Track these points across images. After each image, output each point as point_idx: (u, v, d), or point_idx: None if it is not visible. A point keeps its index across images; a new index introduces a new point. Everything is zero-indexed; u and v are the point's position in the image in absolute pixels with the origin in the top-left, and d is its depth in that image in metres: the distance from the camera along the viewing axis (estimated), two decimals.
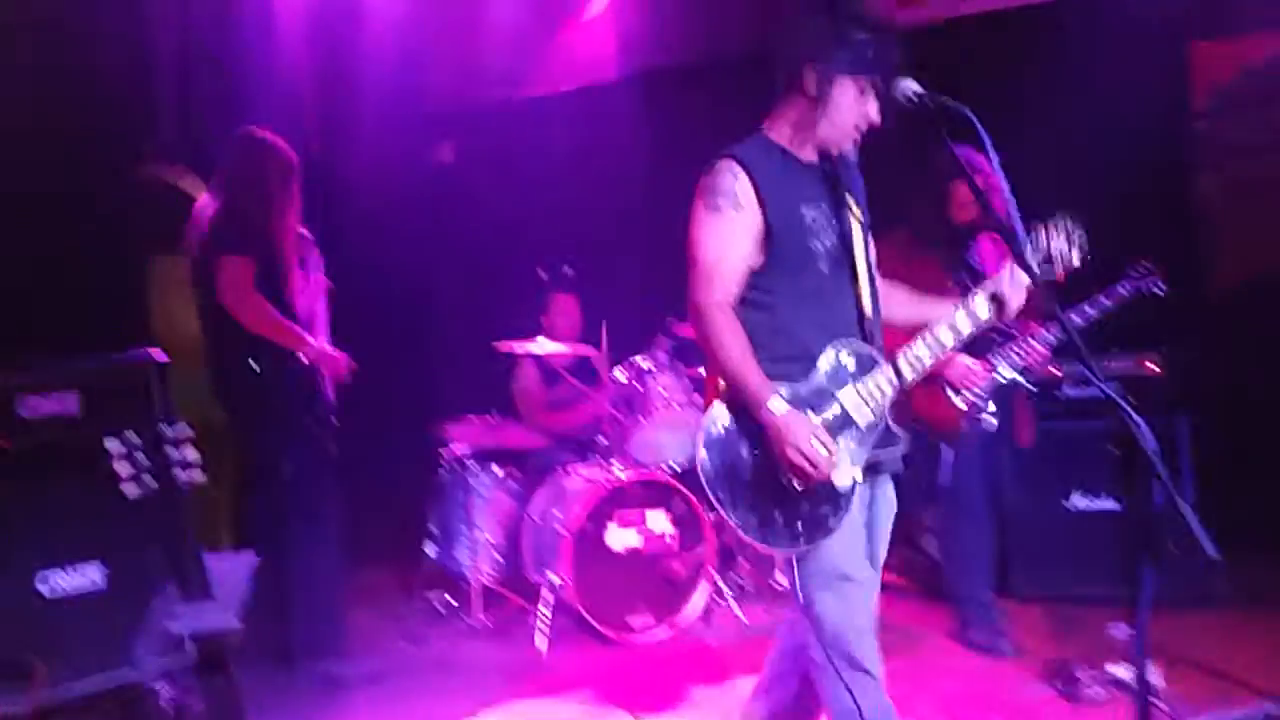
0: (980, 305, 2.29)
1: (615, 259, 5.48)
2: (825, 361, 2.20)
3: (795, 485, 2.12)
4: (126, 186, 4.47)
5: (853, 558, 2.21)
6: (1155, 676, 3.17)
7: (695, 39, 5.56)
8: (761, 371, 2.13)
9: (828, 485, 2.15)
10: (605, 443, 4.62)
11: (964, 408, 3.59)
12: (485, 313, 5.42)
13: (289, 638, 3.57)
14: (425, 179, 5.97)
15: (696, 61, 5.50)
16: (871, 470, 2.26)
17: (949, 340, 2.27)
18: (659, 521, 4.28)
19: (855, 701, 2.15)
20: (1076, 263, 2.34)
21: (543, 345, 4.68)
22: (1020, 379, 3.62)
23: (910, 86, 2.11)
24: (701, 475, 2.17)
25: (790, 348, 2.19)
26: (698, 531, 4.30)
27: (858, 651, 2.17)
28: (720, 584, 4.34)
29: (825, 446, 2.09)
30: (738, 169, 2.17)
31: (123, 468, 1.74)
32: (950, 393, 3.58)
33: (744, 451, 2.16)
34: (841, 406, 2.19)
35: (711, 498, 2.17)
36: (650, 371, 4.50)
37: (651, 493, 4.29)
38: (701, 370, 4.70)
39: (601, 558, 4.16)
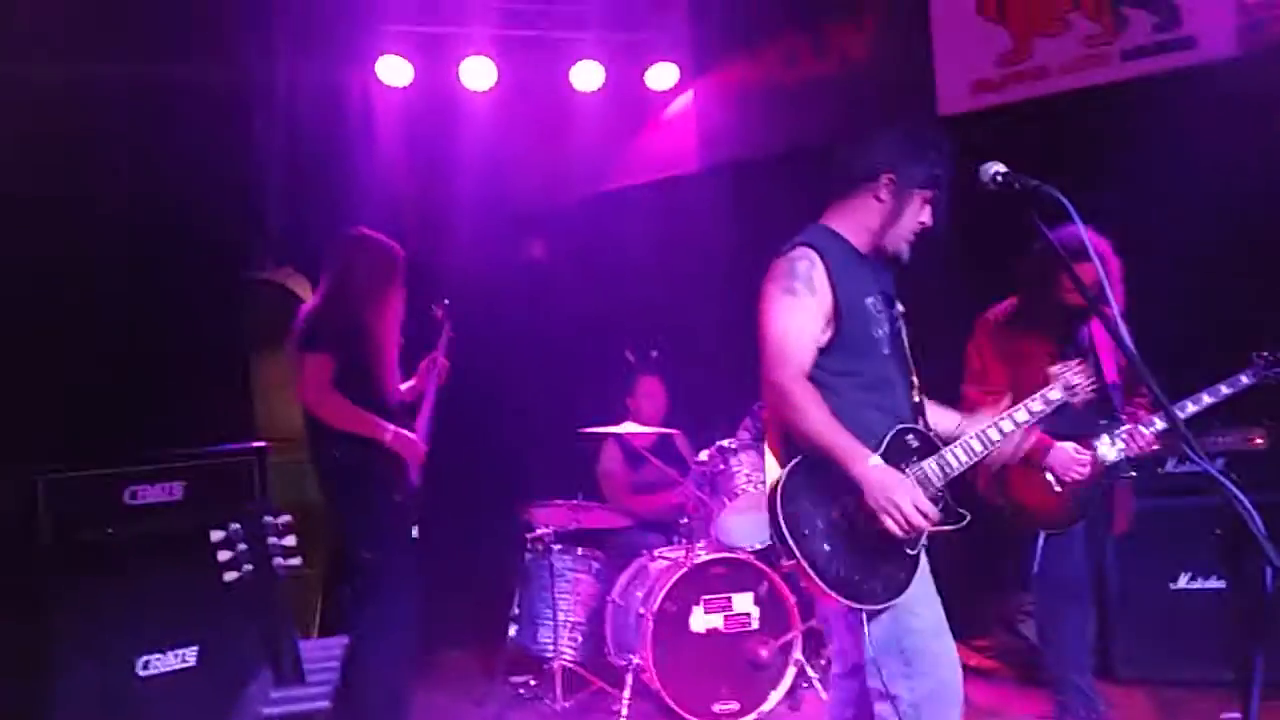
0: (1021, 415, 2.48)
1: (698, 344, 5.54)
2: (891, 441, 2.33)
3: (895, 533, 2.22)
4: (236, 287, 4.72)
5: (932, 614, 2.36)
6: None
7: (774, 133, 5.69)
8: (852, 436, 2.25)
9: (899, 549, 2.28)
10: (689, 524, 4.62)
11: (1061, 493, 3.50)
12: (572, 399, 5.51)
13: None
14: (516, 275, 6.17)
15: (774, 154, 5.62)
16: None
17: (1010, 428, 2.46)
18: (743, 603, 4.24)
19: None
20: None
21: (626, 428, 4.74)
22: (1121, 464, 3.52)
23: (994, 168, 2.11)
24: (785, 537, 2.27)
25: (854, 427, 2.28)
26: (783, 614, 4.25)
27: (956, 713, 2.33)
28: (806, 668, 4.26)
29: (926, 503, 2.23)
30: (814, 255, 2.32)
31: (224, 555, 1.82)
32: (1052, 479, 3.50)
33: (812, 510, 2.29)
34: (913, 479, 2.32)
35: (795, 557, 2.26)
36: (734, 452, 4.50)
37: (736, 575, 4.27)
38: None
39: (684, 640, 4.13)
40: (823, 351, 2.33)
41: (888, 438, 2.33)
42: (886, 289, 2.45)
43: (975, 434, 2.42)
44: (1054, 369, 2.65)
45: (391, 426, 3.67)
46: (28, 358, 3.63)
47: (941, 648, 2.37)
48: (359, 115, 5.28)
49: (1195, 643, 3.97)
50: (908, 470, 2.32)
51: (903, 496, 2.19)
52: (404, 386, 3.93)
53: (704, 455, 4.58)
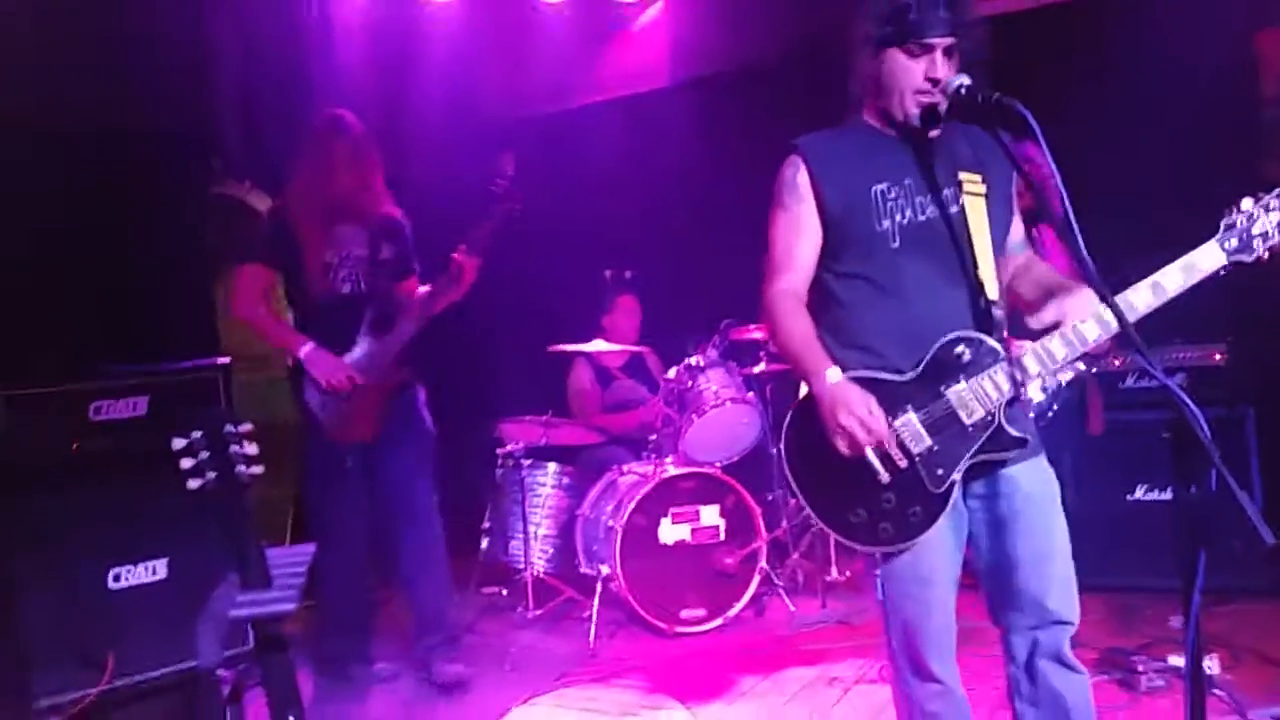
0: (1091, 330, 2.08)
1: (669, 261, 5.53)
2: (937, 354, 2.07)
3: (843, 453, 2.01)
4: (194, 202, 4.64)
5: (938, 561, 2.10)
6: (1213, 666, 3.13)
7: (749, 44, 5.57)
8: (823, 351, 2.08)
9: (919, 485, 2.03)
10: (658, 440, 4.67)
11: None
12: (542, 316, 5.51)
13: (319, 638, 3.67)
14: (483, 190, 6.09)
15: (750, 66, 5.51)
16: (982, 469, 2.09)
17: (1093, 336, 2.06)
18: (710, 516, 4.32)
19: (908, 710, 2.15)
20: None
21: (596, 346, 4.75)
22: (1079, 365, 3.54)
23: (958, 80, 2.06)
24: (785, 465, 2.14)
25: (867, 337, 2.12)
26: (749, 525, 4.34)
27: (932, 660, 2.10)
28: (772, 576, 4.37)
29: (880, 418, 1.99)
30: (798, 158, 2.17)
31: (186, 463, 1.83)
32: None
33: (822, 443, 2.04)
34: (947, 402, 2.05)
35: (795, 490, 2.13)
36: (702, 370, 4.53)
37: (704, 488, 4.34)
38: (755, 369, 4.74)
39: (653, 551, 4.21)
40: (827, 254, 2.17)
41: (932, 350, 2.06)
42: (921, 173, 2.14)
43: (1049, 344, 2.08)
44: None
45: (309, 343, 3.48)
46: None
47: (946, 581, 2.12)
48: (317, 26, 5.13)
49: (1149, 552, 4.07)
50: (945, 390, 2.04)
51: (847, 414, 1.96)
52: (422, 290, 3.65)
53: (672, 373, 4.61)
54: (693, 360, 4.58)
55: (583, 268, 5.45)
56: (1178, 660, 3.24)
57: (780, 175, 2.20)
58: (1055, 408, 3.61)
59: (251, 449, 1.88)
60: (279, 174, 4.40)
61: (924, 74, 2.05)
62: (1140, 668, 3.26)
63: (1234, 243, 2.06)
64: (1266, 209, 2.06)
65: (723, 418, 4.47)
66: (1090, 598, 4.02)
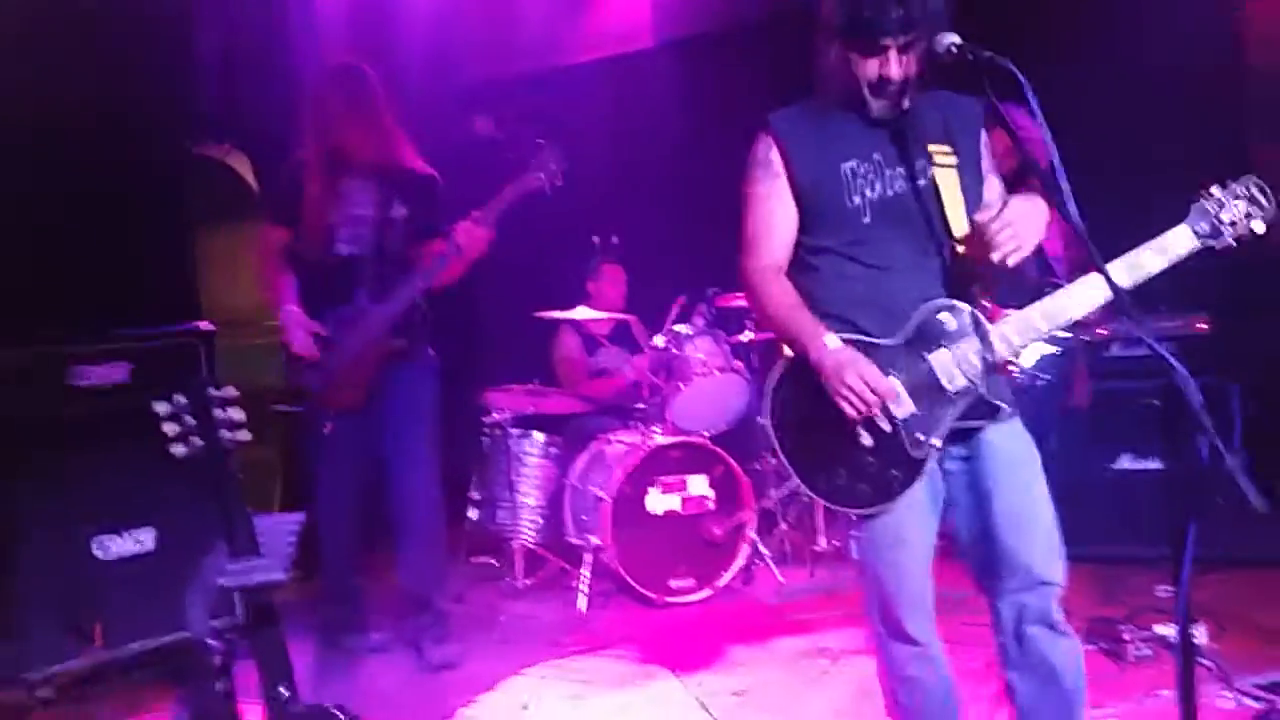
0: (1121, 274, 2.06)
1: (653, 226, 5.48)
2: (921, 319, 2.09)
3: (856, 424, 2.03)
4: (174, 164, 4.55)
5: (913, 523, 2.12)
6: (1200, 634, 3.15)
7: (733, 4, 5.50)
8: (813, 318, 2.10)
9: (900, 448, 2.06)
10: (645, 409, 4.65)
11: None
12: (526, 283, 5.45)
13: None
14: (465, 151, 6.01)
15: (733, 27, 5.43)
16: (961, 433, 2.12)
17: (1079, 311, 2.08)
18: (699, 486, 4.31)
19: (887, 671, 2.16)
20: (1259, 230, 2.09)
21: (582, 313, 4.72)
22: (1071, 336, 3.54)
23: (949, 39, 2.04)
24: (768, 429, 2.14)
25: (841, 306, 2.13)
26: (737, 495, 4.33)
27: (908, 622, 2.12)
28: (760, 546, 4.37)
29: (882, 377, 2.02)
30: (768, 137, 2.20)
31: (170, 428, 1.79)
32: None
33: (809, 406, 2.08)
34: (930, 368, 2.08)
35: (778, 452, 2.14)
36: (689, 338, 4.51)
37: (691, 457, 4.33)
38: (742, 337, 4.71)
39: (641, 521, 4.20)
40: (801, 229, 2.20)
41: (916, 317, 2.09)
42: (891, 148, 2.16)
43: (1030, 314, 2.10)
44: None
45: (288, 304, 3.41)
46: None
47: (922, 542, 2.14)
48: None
49: (1134, 522, 4.11)
50: (928, 356, 2.07)
51: (852, 375, 1.99)
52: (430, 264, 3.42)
53: (659, 340, 4.58)
54: (679, 328, 4.56)
55: (566, 233, 5.39)
56: (1164, 629, 3.26)
57: (753, 152, 2.22)
58: (1045, 377, 3.61)
59: (237, 414, 1.85)
60: (258, 135, 4.33)
61: (878, 72, 2.07)
62: (1127, 637, 3.28)
63: (1204, 228, 2.08)
64: (1235, 196, 2.08)
65: (710, 386, 4.45)
66: (1075, 568, 4.03)
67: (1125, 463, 4.27)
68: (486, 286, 5.79)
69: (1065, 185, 1.95)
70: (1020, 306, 2.16)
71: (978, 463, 2.15)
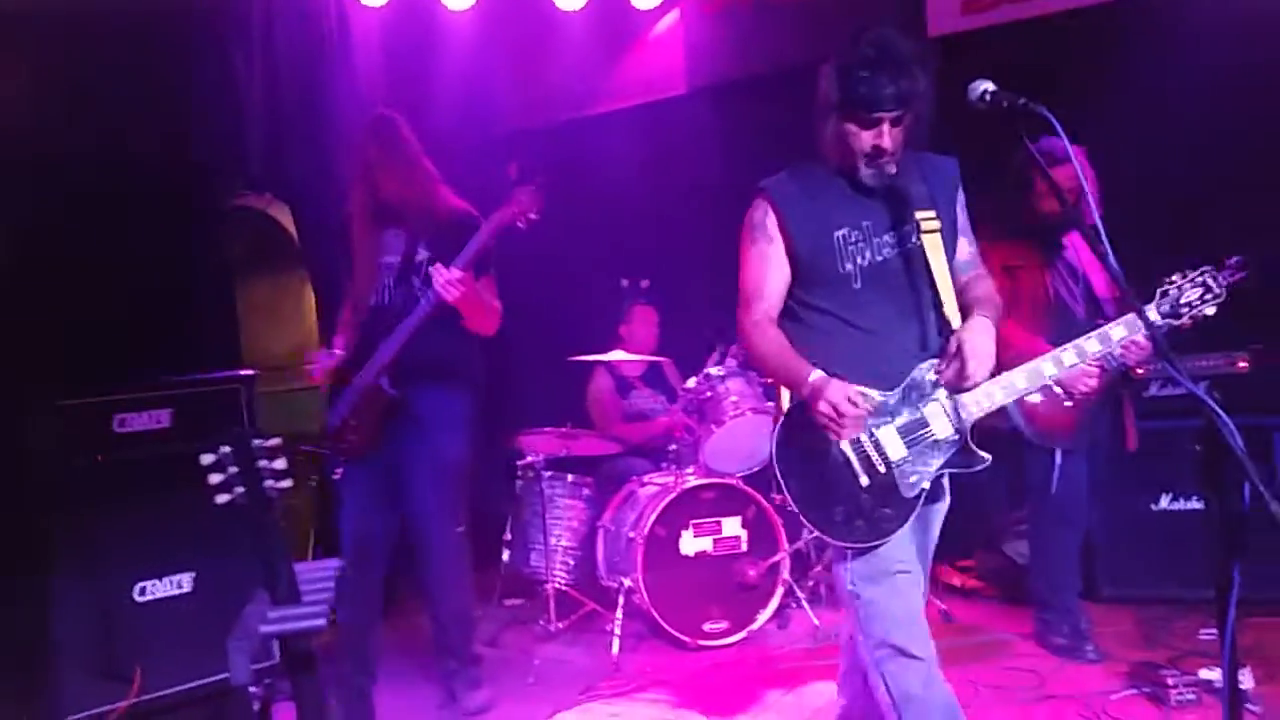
0: (1069, 357, 2.37)
1: (686, 271, 5.51)
2: (915, 374, 2.31)
3: (836, 436, 2.23)
4: (217, 214, 4.67)
5: (903, 552, 2.31)
6: (1246, 679, 3.09)
7: (764, 52, 5.56)
8: (801, 359, 2.28)
9: (894, 489, 2.27)
10: (678, 450, 4.65)
11: (1074, 409, 3.53)
12: (559, 327, 5.49)
13: None
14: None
15: (764, 73, 5.49)
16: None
17: (1023, 385, 2.36)
18: (732, 527, 4.30)
19: (893, 691, 2.24)
20: (1210, 312, 2.39)
21: (615, 356, 4.75)
22: (1125, 378, 3.54)
23: (983, 86, 2.13)
24: (774, 468, 2.31)
25: (830, 359, 2.29)
26: (771, 537, 4.31)
27: (909, 641, 2.23)
28: (794, 589, 4.34)
29: (857, 403, 2.19)
30: (765, 204, 2.39)
31: (215, 478, 1.83)
32: (1061, 394, 3.53)
33: (811, 447, 2.28)
34: (923, 418, 2.31)
35: (783, 490, 2.31)
36: (722, 379, 4.51)
37: (724, 499, 4.32)
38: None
39: (674, 563, 4.20)
40: (796, 286, 2.39)
41: (912, 372, 2.30)
42: (879, 215, 2.34)
43: (1019, 371, 2.35)
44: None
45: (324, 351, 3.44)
46: (16, 289, 3.60)
47: (914, 568, 2.32)
48: (336, 37, 5.15)
49: (1176, 563, 4.05)
50: (921, 406, 2.30)
51: (824, 400, 2.17)
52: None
53: (692, 382, 4.60)
54: (712, 370, 4.57)
55: (600, 277, 5.44)
56: (1209, 674, 3.21)
57: (750, 216, 2.41)
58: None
59: (279, 464, 1.88)
60: (299, 186, 4.41)
61: (871, 143, 2.26)
62: (1170, 681, 3.22)
63: (1166, 308, 2.38)
64: (1192, 284, 2.38)
65: (743, 428, 4.44)
66: (1118, 610, 4.06)
67: (1166, 503, 4.22)
68: (519, 330, 5.85)
69: (1103, 233, 1.99)
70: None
71: (934, 500, 2.40)
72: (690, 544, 4.25)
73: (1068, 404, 3.54)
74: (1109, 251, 1.98)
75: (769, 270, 2.38)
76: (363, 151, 3.37)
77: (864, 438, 2.28)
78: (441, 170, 3.49)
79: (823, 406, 2.17)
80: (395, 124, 3.42)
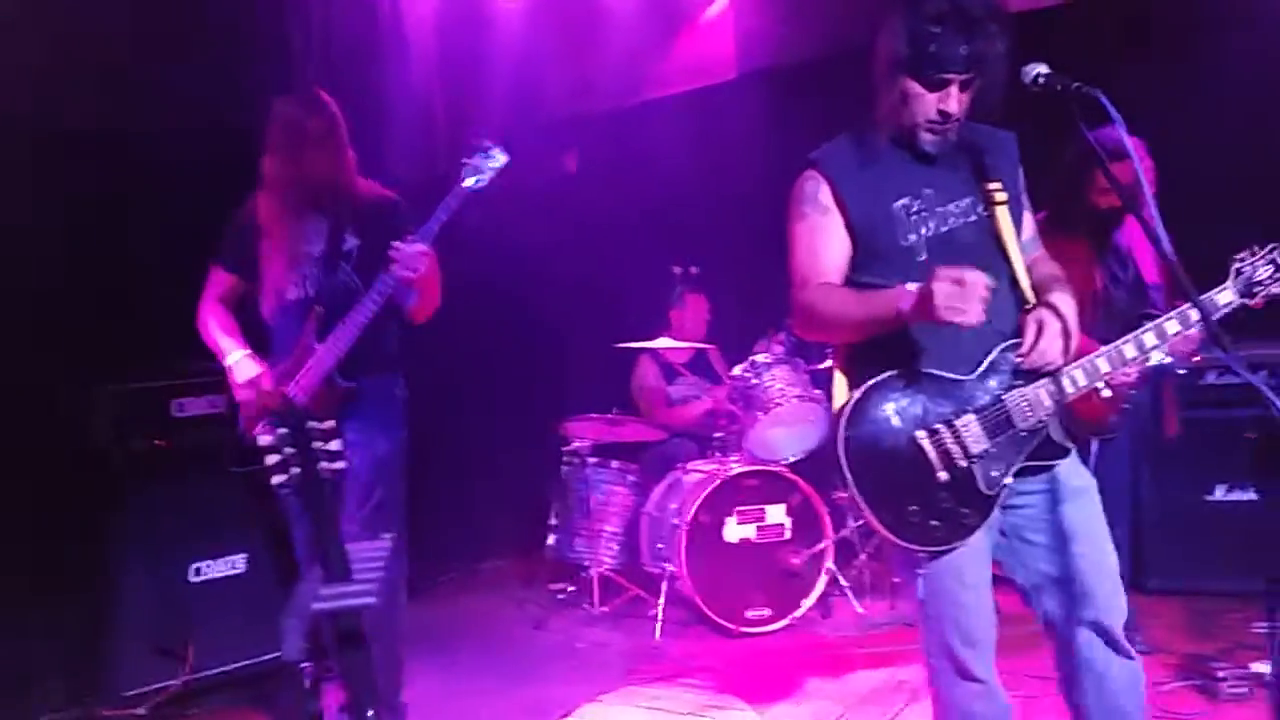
0: (1172, 325, 2.14)
1: (736, 256, 5.51)
2: (996, 357, 2.10)
3: (970, 322, 1.89)
4: None
5: (976, 561, 2.11)
6: None
7: (816, 35, 5.52)
8: (882, 290, 2.05)
9: (974, 486, 2.06)
10: (723, 438, 4.66)
11: (1111, 398, 3.48)
12: (606, 314, 5.52)
13: None
14: (549, 187, 6.13)
15: (817, 57, 5.45)
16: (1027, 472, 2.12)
17: (1132, 354, 2.14)
18: (776, 515, 4.30)
19: (949, 709, 2.14)
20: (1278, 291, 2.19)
21: (662, 343, 4.76)
22: (1168, 366, 3.47)
23: (1036, 69, 2.04)
24: (840, 465, 2.08)
25: (898, 350, 2.09)
26: (816, 525, 4.31)
27: (970, 659, 2.10)
28: (838, 577, 4.33)
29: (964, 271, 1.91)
30: (816, 175, 2.19)
31: (271, 459, 1.88)
32: (1101, 384, 3.47)
33: (880, 439, 2.06)
34: (1004, 407, 2.08)
35: (848, 487, 2.08)
36: (768, 367, 4.51)
37: (769, 486, 4.32)
38: (821, 365, 4.70)
39: (717, 550, 4.21)
40: (854, 267, 2.17)
41: (991, 355, 2.09)
42: (941, 184, 2.15)
43: (1103, 353, 2.13)
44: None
45: (235, 350, 3.02)
46: (75, 274, 3.70)
47: (982, 582, 2.12)
48: (390, 31, 5.21)
49: (1228, 554, 3.98)
50: (1002, 395, 2.07)
51: (944, 274, 1.87)
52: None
53: (738, 370, 4.60)
54: (759, 357, 4.57)
55: (648, 264, 5.45)
56: (1260, 667, 3.15)
57: (799, 189, 2.21)
58: (1125, 406, 3.54)
59: (334, 445, 1.92)
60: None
61: (936, 106, 2.07)
62: (1221, 674, 3.19)
63: (1241, 286, 2.16)
64: (1263, 260, 2.18)
65: (789, 415, 4.44)
66: (1168, 602, 4.01)
67: (1221, 493, 4.15)
68: (566, 316, 5.90)
69: (1159, 222, 1.95)
70: (1112, 336, 2.18)
71: (1049, 497, 2.15)
72: (734, 531, 4.26)
73: (1106, 394, 3.48)
74: (1167, 245, 1.94)
75: (824, 243, 2.16)
76: (296, 127, 3.00)
77: (943, 428, 2.05)
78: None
79: (940, 295, 1.86)
80: (326, 103, 3.09)
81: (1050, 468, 2.13)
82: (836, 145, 2.23)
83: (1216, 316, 2.06)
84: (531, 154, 5.95)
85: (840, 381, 2.21)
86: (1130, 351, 2.15)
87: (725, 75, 5.80)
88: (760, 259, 5.51)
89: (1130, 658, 2.12)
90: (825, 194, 2.17)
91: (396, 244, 2.86)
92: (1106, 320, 2.57)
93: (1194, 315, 2.11)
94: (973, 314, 1.88)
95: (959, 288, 1.86)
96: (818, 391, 4.52)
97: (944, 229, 2.14)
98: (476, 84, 5.43)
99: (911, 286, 1.97)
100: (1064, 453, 2.13)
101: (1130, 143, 2.01)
